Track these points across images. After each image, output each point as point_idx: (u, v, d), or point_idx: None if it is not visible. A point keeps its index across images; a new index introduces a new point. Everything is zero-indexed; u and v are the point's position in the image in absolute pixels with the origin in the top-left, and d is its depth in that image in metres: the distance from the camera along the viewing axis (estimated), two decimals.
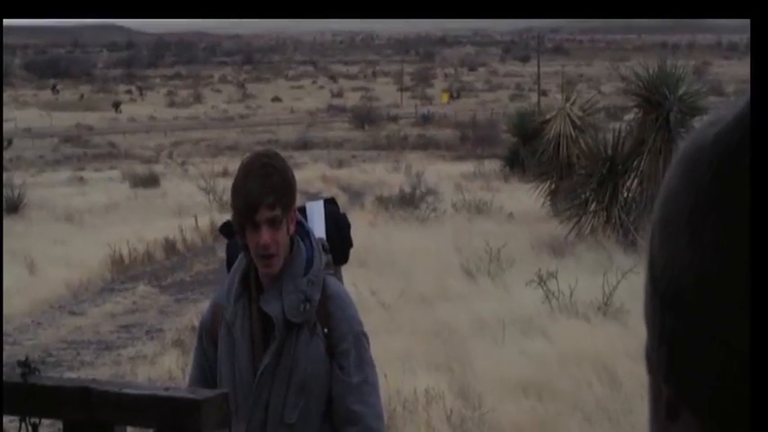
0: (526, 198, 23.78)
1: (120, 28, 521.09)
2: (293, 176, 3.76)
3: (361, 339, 3.81)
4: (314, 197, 7.56)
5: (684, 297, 0.72)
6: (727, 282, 0.69)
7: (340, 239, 4.09)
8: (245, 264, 3.81)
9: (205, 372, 3.90)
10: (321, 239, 3.95)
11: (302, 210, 4.02)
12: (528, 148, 28.71)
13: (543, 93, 78.59)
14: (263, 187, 3.60)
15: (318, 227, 4.03)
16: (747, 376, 0.68)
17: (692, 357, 0.72)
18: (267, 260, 3.67)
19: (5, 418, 3.13)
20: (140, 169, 42.76)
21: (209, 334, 3.91)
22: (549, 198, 22.46)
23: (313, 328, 3.73)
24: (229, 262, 3.95)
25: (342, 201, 3.94)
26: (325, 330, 3.75)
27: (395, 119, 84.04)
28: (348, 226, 4.19)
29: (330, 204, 4.22)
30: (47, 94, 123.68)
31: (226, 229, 4.01)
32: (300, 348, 3.72)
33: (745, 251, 0.68)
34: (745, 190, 0.69)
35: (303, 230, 3.84)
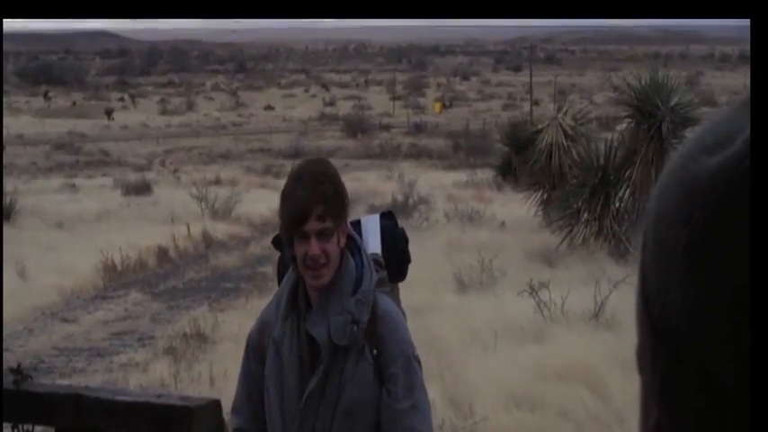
0: (518, 208, 23.79)
1: (113, 35, 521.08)
2: (344, 187, 3.59)
3: (411, 362, 3.61)
4: None
5: (677, 332, 0.72)
6: (721, 324, 0.69)
7: (396, 255, 3.90)
8: (294, 279, 3.64)
9: (250, 389, 3.75)
10: (376, 255, 3.78)
11: (356, 224, 3.86)
12: (520, 158, 28.76)
13: (535, 102, 78.64)
14: (313, 195, 3.43)
15: (373, 242, 3.85)
16: (736, 414, 0.69)
17: (682, 388, 0.72)
18: (316, 271, 3.49)
19: None
20: (133, 177, 42.65)
21: (255, 351, 3.76)
22: (541, 208, 22.50)
23: (361, 351, 3.55)
24: (280, 276, 3.80)
25: None
26: (374, 352, 3.56)
27: (387, 128, 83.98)
28: (406, 240, 3.98)
29: (386, 218, 4.02)
30: (39, 101, 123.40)
31: (277, 243, 3.80)
32: (347, 372, 3.54)
33: (739, 293, 0.68)
34: (743, 231, 0.68)
35: (354, 245, 3.65)
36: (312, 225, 3.45)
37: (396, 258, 3.90)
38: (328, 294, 3.56)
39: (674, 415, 0.74)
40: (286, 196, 3.49)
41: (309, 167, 3.54)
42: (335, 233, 3.50)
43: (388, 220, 4.02)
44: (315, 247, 3.46)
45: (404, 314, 3.81)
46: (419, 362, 3.66)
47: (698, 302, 0.71)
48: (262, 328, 3.76)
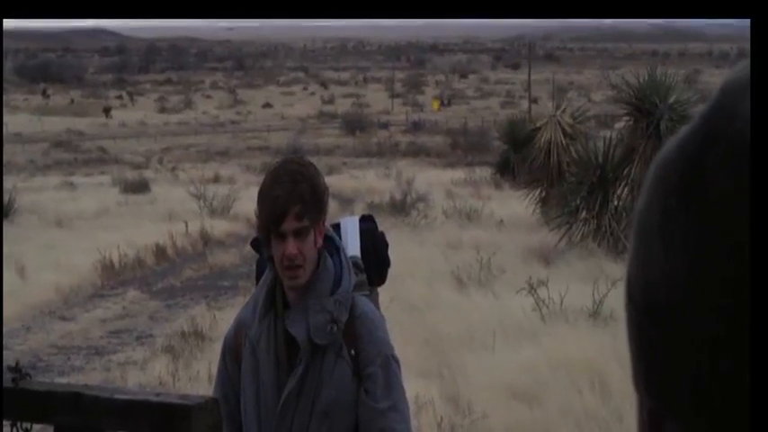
0: (517, 205, 23.80)
1: (112, 33, 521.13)
2: (325, 186, 3.55)
3: (390, 363, 3.59)
4: None
5: (659, 306, 0.72)
6: (700, 287, 0.69)
7: (376, 258, 3.87)
8: (271, 279, 3.61)
9: (227, 390, 3.73)
10: (355, 258, 3.76)
11: (336, 227, 3.82)
12: (519, 156, 28.76)
13: (534, 100, 78.64)
14: (290, 195, 3.40)
15: (353, 245, 3.81)
16: (725, 379, 0.68)
17: (670, 364, 0.72)
18: (292, 271, 3.47)
19: None
20: (131, 175, 42.64)
21: (232, 352, 3.73)
22: (539, 205, 22.50)
23: (339, 351, 3.53)
24: (258, 279, 3.76)
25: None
26: (352, 353, 3.54)
27: (386, 125, 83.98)
28: (386, 245, 3.95)
29: (366, 221, 3.98)
30: (37, 99, 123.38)
31: (256, 245, 3.76)
32: (325, 372, 3.52)
33: (714, 254, 0.68)
34: (711, 191, 0.69)
35: (333, 246, 3.63)
36: (289, 224, 3.43)
37: (375, 262, 3.87)
38: (306, 294, 3.54)
39: (664, 395, 0.74)
40: (263, 195, 3.47)
41: (287, 166, 3.52)
42: (312, 233, 3.48)
43: (368, 224, 3.98)
44: (292, 247, 3.44)
45: (382, 317, 3.79)
46: (398, 363, 3.64)
47: (674, 271, 0.71)
48: (238, 329, 3.73)
